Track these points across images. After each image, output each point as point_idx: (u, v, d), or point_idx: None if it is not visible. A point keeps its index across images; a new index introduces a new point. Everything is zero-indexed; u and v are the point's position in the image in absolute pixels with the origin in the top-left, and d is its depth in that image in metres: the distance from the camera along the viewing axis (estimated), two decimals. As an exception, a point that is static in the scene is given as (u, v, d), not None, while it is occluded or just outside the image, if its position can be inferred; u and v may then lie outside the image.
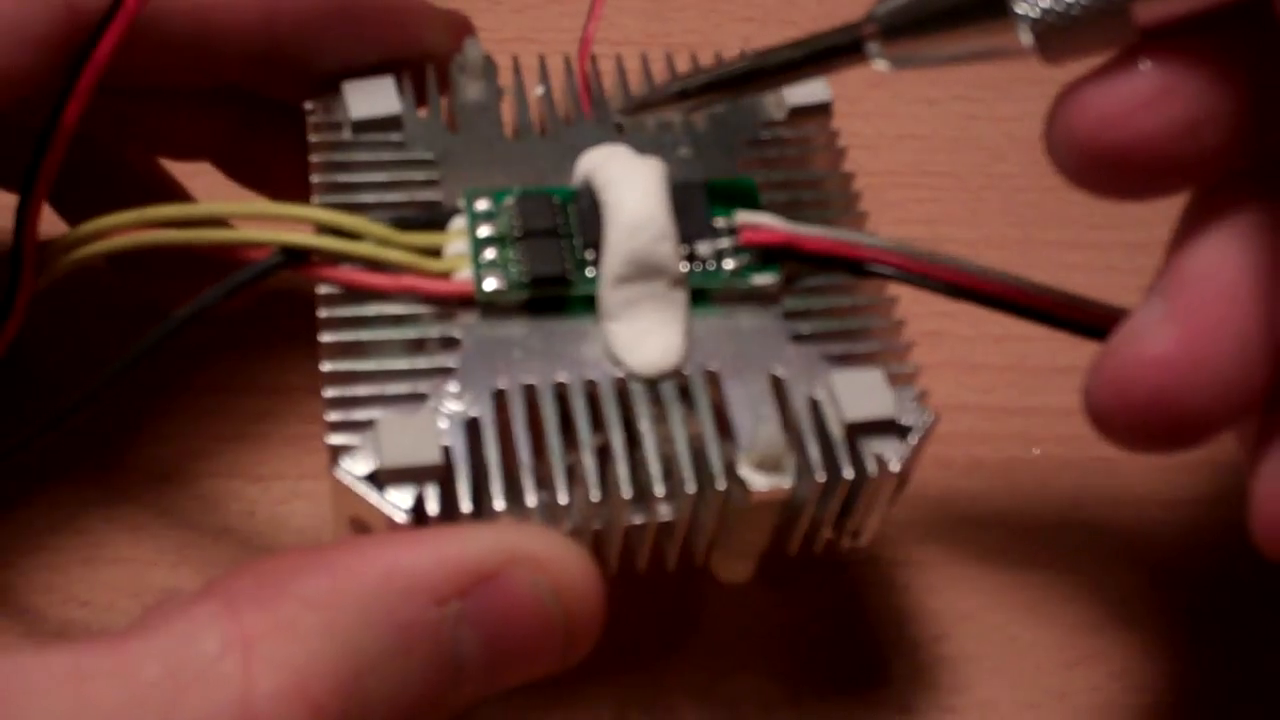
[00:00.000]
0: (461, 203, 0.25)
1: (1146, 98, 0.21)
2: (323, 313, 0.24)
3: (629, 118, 0.27)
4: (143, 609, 0.20)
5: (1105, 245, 0.36)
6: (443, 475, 0.22)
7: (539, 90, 0.28)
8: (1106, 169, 0.21)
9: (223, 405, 0.31)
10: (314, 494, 0.30)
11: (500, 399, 0.23)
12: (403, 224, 0.25)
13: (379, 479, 0.22)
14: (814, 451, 0.24)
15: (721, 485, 0.23)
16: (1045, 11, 0.21)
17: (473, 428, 0.23)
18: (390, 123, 0.26)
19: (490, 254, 0.24)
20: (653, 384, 0.24)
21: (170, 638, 0.19)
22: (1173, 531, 0.31)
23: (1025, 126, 0.38)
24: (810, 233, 0.25)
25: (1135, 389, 0.21)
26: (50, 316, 0.30)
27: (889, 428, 0.24)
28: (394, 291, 0.24)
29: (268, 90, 0.28)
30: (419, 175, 0.26)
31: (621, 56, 0.28)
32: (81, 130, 0.24)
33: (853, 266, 0.25)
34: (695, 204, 0.25)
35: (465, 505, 0.22)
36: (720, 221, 0.25)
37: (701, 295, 0.25)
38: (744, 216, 0.25)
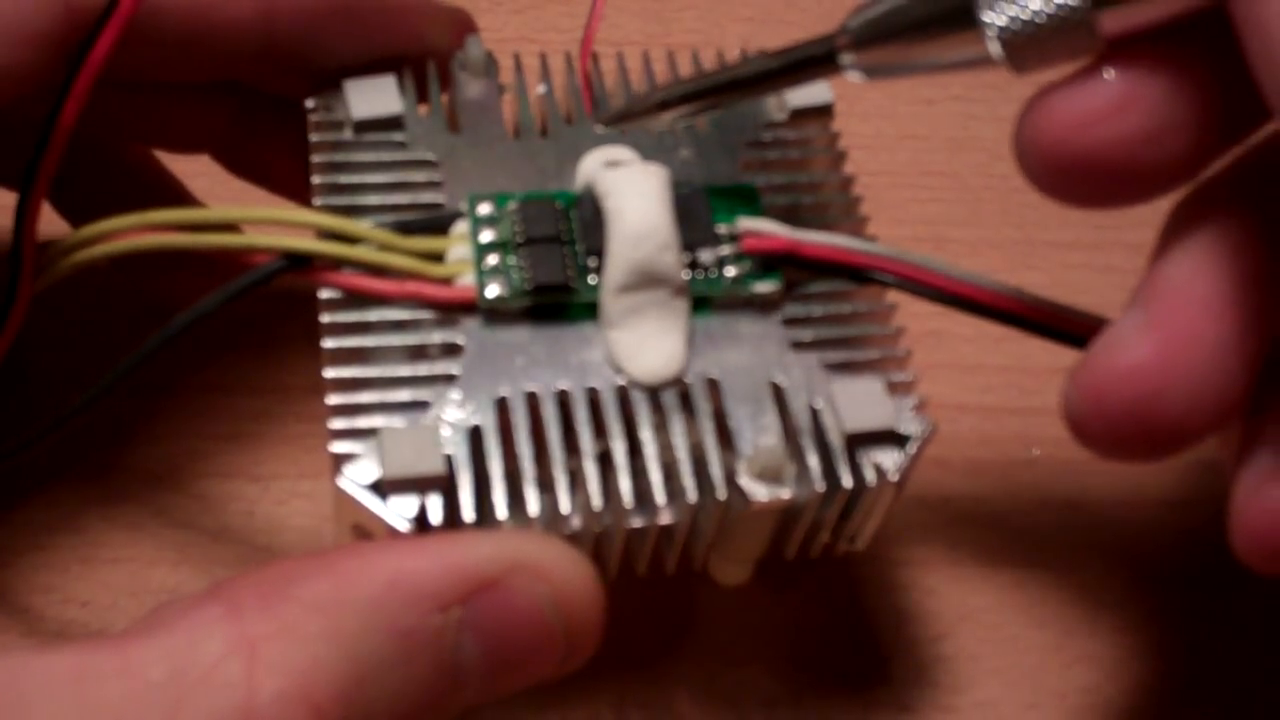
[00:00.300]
0: (464, 206, 0.25)
1: (1109, 106, 0.21)
2: (325, 318, 0.24)
3: (609, 128, 0.27)
4: (142, 609, 0.20)
5: (1105, 245, 0.36)
6: (445, 485, 0.22)
7: (541, 89, 0.28)
8: (1071, 177, 0.21)
9: (221, 405, 0.31)
10: (312, 494, 0.30)
11: (502, 406, 0.23)
12: (404, 229, 0.25)
13: (382, 488, 0.22)
14: (813, 461, 0.24)
15: (722, 494, 0.23)
16: (1011, 20, 0.21)
17: (475, 436, 0.23)
18: (392, 123, 0.26)
19: (493, 260, 0.24)
20: (654, 392, 0.24)
21: (174, 640, 0.19)
22: (1172, 532, 0.31)
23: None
24: (811, 239, 0.25)
25: (1112, 398, 0.21)
26: (50, 317, 0.30)
27: (888, 438, 0.24)
28: (396, 297, 0.24)
29: (267, 85, 0.28)
30: (421, 176, 0.26)
31: (623, 55, 0.28)
32: (80, 128, 0.24)
33: (853, 273, 0.25)
34: (698, 211, 0.25)
35: (468, 514, 0.22)
36: (722, 228, 0.25)
37: (703, 302, 0.25)
38: (746, 223, 0.25)
